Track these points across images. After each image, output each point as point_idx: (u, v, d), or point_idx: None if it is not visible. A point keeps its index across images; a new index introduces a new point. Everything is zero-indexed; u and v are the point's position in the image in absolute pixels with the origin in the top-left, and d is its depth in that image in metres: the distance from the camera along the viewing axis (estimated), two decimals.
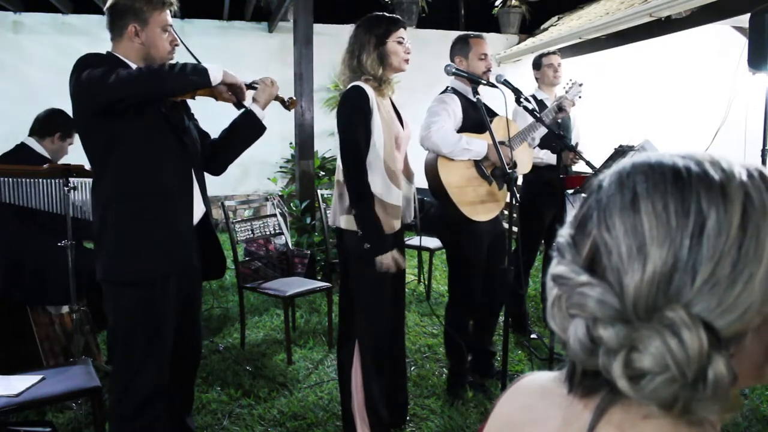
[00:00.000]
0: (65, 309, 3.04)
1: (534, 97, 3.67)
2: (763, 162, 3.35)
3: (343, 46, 2.37)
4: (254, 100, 2.14)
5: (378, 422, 2.41)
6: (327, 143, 7.45)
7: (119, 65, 1.91)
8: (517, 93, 2.57)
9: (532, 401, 0.64)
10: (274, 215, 3.96)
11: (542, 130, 3.21)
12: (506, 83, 2.55)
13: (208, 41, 6.99)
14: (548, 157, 3.57)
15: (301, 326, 3.99)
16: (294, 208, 4.93)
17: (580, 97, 3.39)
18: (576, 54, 6.85)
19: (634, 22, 5.37)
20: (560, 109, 3.17)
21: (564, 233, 0.58)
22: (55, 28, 6.86)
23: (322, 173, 6.69)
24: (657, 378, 0.49)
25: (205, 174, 2.18)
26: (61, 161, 2.73)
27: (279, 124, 5.51)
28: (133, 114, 1.85)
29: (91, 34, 6.62)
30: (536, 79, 3.80)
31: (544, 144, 3.46)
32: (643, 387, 0.49)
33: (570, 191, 3.50)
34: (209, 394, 2.99)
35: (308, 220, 4.87)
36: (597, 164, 2.94)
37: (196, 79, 1.85)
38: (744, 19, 3.95)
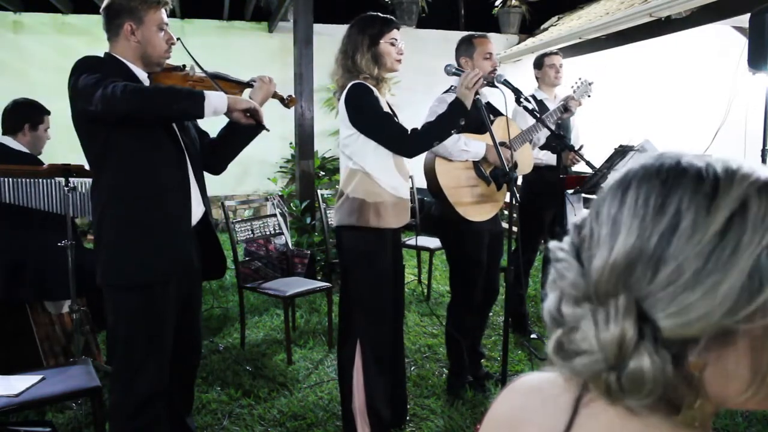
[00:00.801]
0: (65, 309, 3.04)
1: (534, 97, 3.66)
2: (763, 162, 3.35)
3: None
4: (250, 98, 2.14)
5: (378, 422, 2.41)
6: (327, 143, 7.45)
7: (117, 68, 1.91)
8: (518, 93, 2.57)
9: (527, 401, 0.65)
10: (274, 215, 3.96)
11: (543, 133, 3.21)
12: (506, 83, 2.55)
13: (208, 41, 6.98)
14: (548, 158, 3.57)
15: (301, 326, 3.99)
16: (294, 208, 4.93)
17: (589, 95, 3.38)
18: (576, 54, 6.85)
19: (634, 22, 5.37)
20: (566, 109, 3.16)
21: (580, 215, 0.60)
22: (55, 28, 6.86)
23: (322, 173, 6.70)
24: (584, 357, 0.51)
25: (205, 173, 2.18)
26: (63, 161, 2.72)
27: (279, 124, 5.50)
28: None
29: (91, 34, 6.62)
30: (537, 78, 3.80)
31: (544, 144, 3.46)
32: (573, 364, 0.52)
33: (570, 191, 3.50)
34: (209, 394, 2.99)
35: (308, 220, 4.87)
36: (597, 164, 2.94)
37: (186, 106, 1.81)
38: (744, 19, 3.95)
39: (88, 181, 2.70)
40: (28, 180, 2.81)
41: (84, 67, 1.83)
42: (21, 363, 2.78)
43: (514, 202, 2.32)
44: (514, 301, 3.56)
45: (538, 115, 2.72)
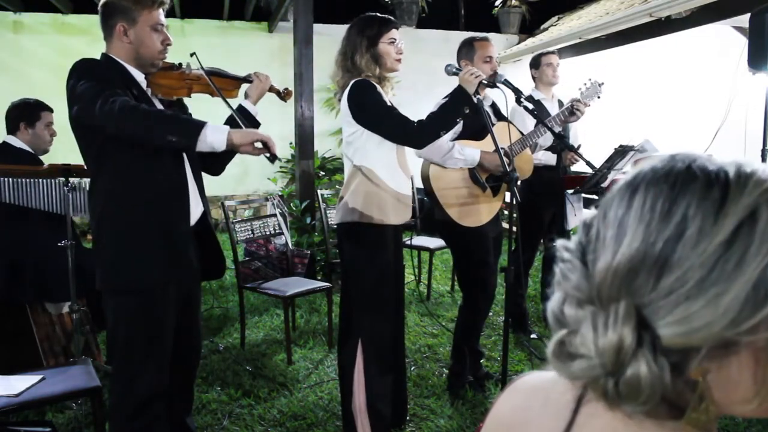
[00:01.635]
0: (65, 309, 3.04)
1: (531, 97, 3.66)
2: (763, 162, 3.35)
3: None
4: (246, 95, 2.14)
5: (379, 422, 2.41)
6: (327, 143, 7.45)
7: (114, 70, 1.90)
8: (518, 93, 2.57)
9: (529, 401, 0.64)
10: (274, 215, 3.96)
11: (548, 137, 3.19)
12: (506, 83, 2.54)
13: (208, 41, 6.98)
14: (547, 158, 3.57)
15: (301, 326, 3.99)
16: (294, 208, 4.93)
17: (599, 97, 3.35)
18: (576, 54, 6.85)
19: (634, 22, 5.36)
20: (572, 112, 3.10)
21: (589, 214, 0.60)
22: (55, 28, 6.86)
23: (322, 173, 6.69)
24: (582, 361, 0.51)
25: (204, 174, 2.17)
26: (63, 161, 2.72)
27: (279, 124, 5.51)
28: None
29: (91, 34, 6.62)
30: (534, 78, 3.80)
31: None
32: (571, 367, 0.52)
33: (570, 191, 3.50)
34: (209, 394, 2.99)
35: (308, 220, 4.87)
36: (597, 164, 2.94)
37: (178, 140, 1.76)
38: (744, 19, 3.95)
39: (88, 180, 2.70)
40: (28, 180, 2.81)
41: (81, 71, 1.82)
42: (21, 363, 2.78)
43: (514, 202, 2.31)
44: (515, 301, 3.56)
45: (539, 116, 2.71)
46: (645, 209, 0.51)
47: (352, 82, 2.29)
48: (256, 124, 2.12)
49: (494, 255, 2.96)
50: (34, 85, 6.45)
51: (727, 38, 4.95)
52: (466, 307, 2.98)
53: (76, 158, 2.37)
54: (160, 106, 1.99)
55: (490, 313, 3.46)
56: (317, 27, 5.14)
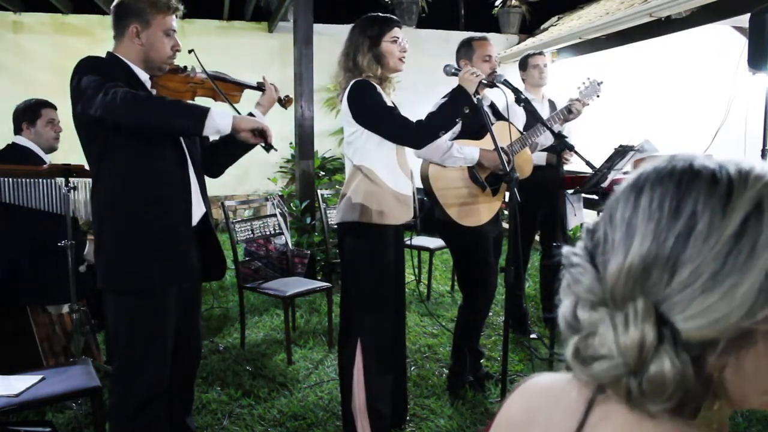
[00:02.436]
0: (65, 309, 3.04)
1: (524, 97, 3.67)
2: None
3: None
4: (258, 104, 2.13)
5: (379, 422, 2.41)
6: (327, 143, 7.45)
7: (119, 68, 1.90)
8: (517, 93, 2.57)
9: (540, 402, 0.65)
10: (274, 215, 3.96)
11: (547, 136, 3.20)
12: (506, 83, 2.55)
13: (208, 41, 6.98)
14: (538, 158, 3.56)
15: (301, 326, 3.99)
16: (294, 208, 4.93)
17: (598, 96, 3.36)
18: (576, 54, 6.85)
19: (634, 22, 5.36)
20: (569, 111, 3.11)
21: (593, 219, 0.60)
22: (55, 28, 6.85)
23: (322, 173, 6.70)
24: (604, 362, 0.51)
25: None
26: (63, 161, 2.72)
27: (279, 124, 5.49)
28: None
29: (91, 34, 6.63)
30: (522, 79, 3.81)
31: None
32: (592, 369, 0.52)
33: (570, 191, 3.50)
34: (209, 394, 2.99)
35: (308, 220, 4.87)
36: (597, 164, 2.94)
37: (185, 123, 1.79)
38: (744, 19, 3.95)
39: (89, 180, 2.70)
40: (28, 180, 2.81)
41: (86, 69, 1.83)
42: (21, 363, 2.77)
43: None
44: (514, 301, 3.56)
45: (538, 116, 2.71)
46: (653, 208, 0.52)
47: (352, 82, 2.30)
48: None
49: (494, 255, 2.96)
50: (34, 85, 6.46)
51: (727, 38, 4.95)
52: (466, 307, 2.97)
53: (76, 158, 2.38)
54: None
55: (490, 313, 3.46)
56: (317, 27, 5.14)
